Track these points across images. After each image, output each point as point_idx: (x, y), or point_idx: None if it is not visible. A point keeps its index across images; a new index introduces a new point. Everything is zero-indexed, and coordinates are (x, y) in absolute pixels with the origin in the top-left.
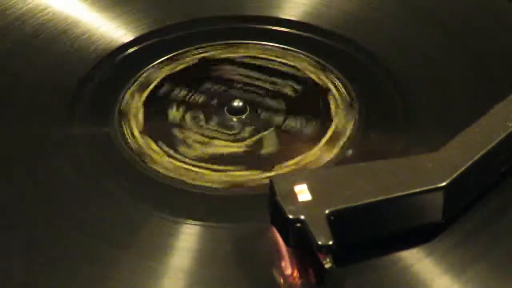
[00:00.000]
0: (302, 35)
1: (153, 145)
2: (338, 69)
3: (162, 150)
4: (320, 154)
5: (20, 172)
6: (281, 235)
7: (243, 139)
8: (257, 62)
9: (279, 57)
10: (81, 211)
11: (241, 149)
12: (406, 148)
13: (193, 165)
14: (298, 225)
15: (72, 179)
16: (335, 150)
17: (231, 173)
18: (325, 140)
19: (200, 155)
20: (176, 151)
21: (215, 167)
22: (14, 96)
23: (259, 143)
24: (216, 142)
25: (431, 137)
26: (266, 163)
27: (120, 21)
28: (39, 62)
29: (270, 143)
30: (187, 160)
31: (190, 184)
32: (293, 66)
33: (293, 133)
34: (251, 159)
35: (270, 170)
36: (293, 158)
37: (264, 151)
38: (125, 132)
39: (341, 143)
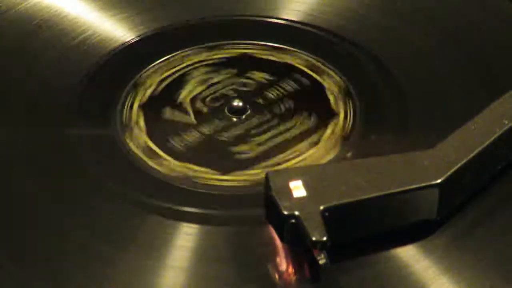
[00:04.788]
0: (301, 34)
1: (162, 153)
2: (337, 68)
3: (169, 155)
4: (321, 153)
5: (20, 172)
6: (276, 231)
7: (254, 141)
8: (256, 61)
9: (300, 65)
10: (81, 211)
11: (256, 151)
12: (405, 148)
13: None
14: (293, 221)
15: (72, 179)
16: (335, 150)
17: (245, 171)
18: (326, 137)
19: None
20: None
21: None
22: (15, 96)
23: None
24: (263, 136)
25: (431, 137)
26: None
27: (121, 20)
28: (39, 62)
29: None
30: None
31: (196, 184)
32: (289, 64)
33: (293, 131)
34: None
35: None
36: (295, 158)
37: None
38: (125, 132)
39: (340, 142)
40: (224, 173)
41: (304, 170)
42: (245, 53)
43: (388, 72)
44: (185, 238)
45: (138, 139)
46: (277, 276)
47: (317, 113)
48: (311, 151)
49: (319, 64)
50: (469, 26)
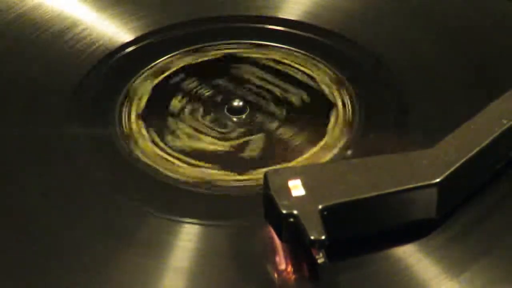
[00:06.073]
0: (303, 35)
1: (143, 130)
2: (337, 68)
3: (149, 135)
4: (321, 154)
5: (20, 172)
6: (275, 230)
7: (231, 139)
8: (278, 67)
9: (300, 64)
10: (81, 211)
11: (225, 149)
12: (404, 148)
13: (172, 156)
14: (291, 220)
15: (71, 179)
16: (335, 152)
17: (205, 170)
18: (312, 152)
19: (183, 147)
20: (163, 139)
21: (192, 161)
22: (14, 96)
23: (245, 145)
24: (203, 137)
25: (430, 136)
26: (243, 166)
27: (120, 20)
28: (39, 62)
29: (254, 147)
30: (168, 150)
31: (161, 174)
32: (310, 76)
33: (282, 141)
34: (230, 160)
35: (244, 173)
36: (273, 165)
37: (245, 154)
38: (123, 132)
39: (330, 155)
40: (199, 170)
41: (303, 169)
42: (268, 56)
43: (388, 71)
44: (185, 238)
45: (137, 139)
46: (276, 275)
47: (316, 113)
48: (294, 161)
49: (316, 63)
50: (469, 26)
